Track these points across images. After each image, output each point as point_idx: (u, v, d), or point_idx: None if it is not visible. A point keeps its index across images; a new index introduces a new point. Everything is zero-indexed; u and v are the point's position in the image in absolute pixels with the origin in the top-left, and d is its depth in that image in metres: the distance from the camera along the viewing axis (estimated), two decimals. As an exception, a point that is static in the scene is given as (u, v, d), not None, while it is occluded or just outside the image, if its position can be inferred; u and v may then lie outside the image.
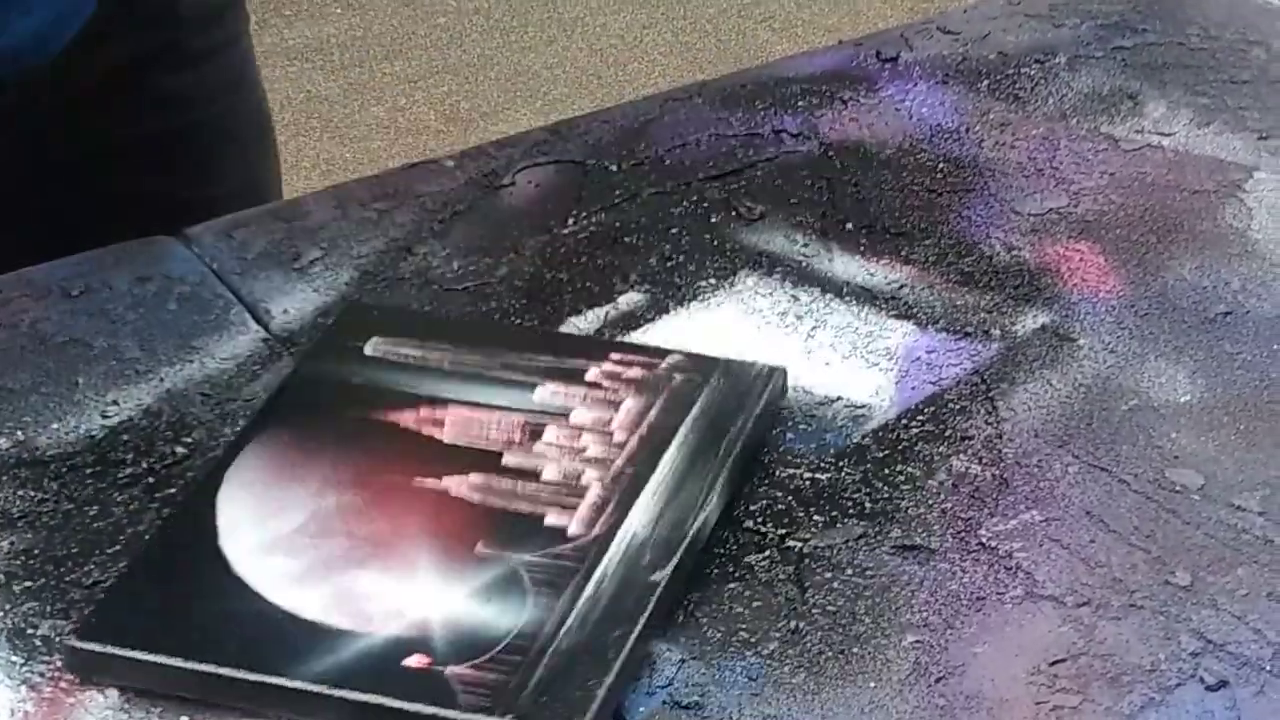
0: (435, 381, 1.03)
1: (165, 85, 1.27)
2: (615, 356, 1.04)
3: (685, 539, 0.94)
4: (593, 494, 0.97)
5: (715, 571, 0.96)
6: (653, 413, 1.01)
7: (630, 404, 1.02)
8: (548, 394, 1.02)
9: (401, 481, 0.98)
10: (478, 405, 1.02)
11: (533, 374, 1.03)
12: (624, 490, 0.97)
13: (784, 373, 1.05)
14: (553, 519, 0.95)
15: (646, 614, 0.91)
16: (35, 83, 1.21)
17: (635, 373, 1.04)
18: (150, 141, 1.29)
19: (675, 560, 0.93)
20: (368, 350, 1.05)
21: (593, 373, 1.03)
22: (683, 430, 1.00)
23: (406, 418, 1.01)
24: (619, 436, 1.00)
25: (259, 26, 3.23)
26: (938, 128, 1.28)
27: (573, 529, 0.95)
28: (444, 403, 1.02)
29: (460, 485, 0.97)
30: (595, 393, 1.02)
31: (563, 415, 1.01)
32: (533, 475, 0.98)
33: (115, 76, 1.25)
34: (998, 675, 0.91)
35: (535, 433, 1.00)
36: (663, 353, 1.06)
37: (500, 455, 0.99)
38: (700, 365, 1.04)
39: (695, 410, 1.01)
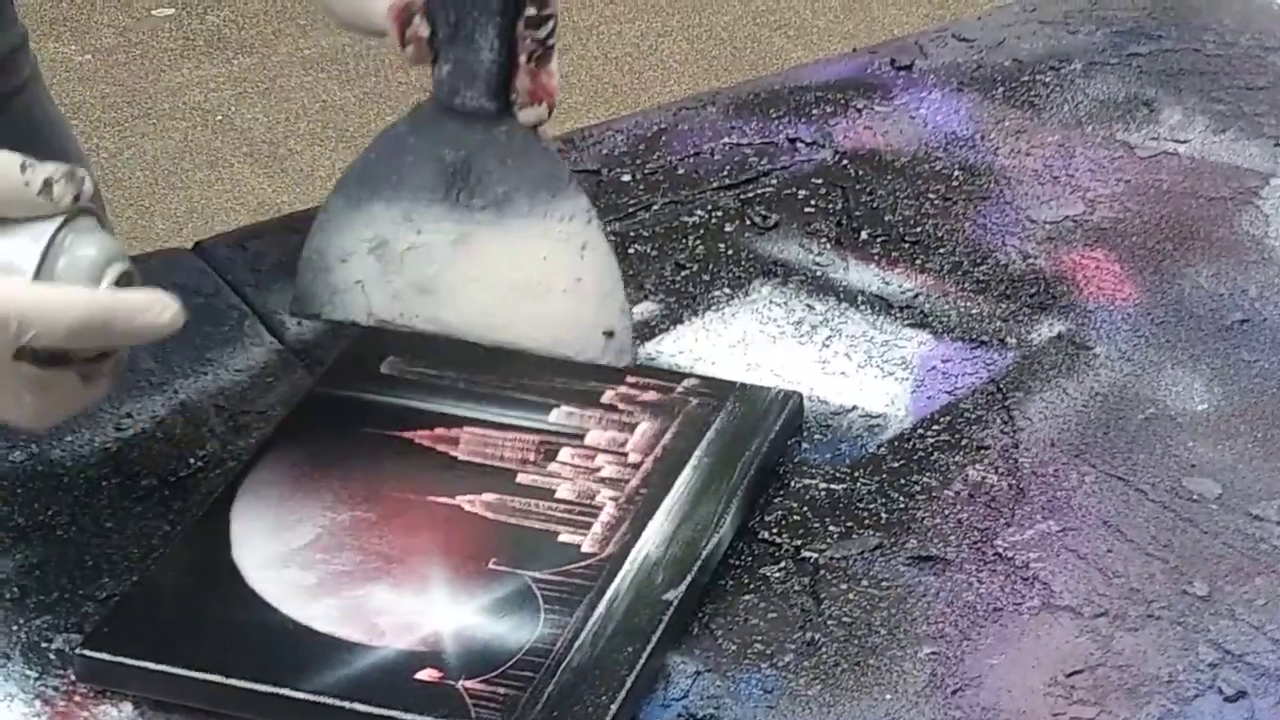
0: (450, 400, 1.03)
1: None
2: (631, 379, 1.04)
3: (698, 559, 0.94)
4: (607, 513, 0.96)
5: (730, 583, 0.95)
6: (668, 436, 1.01)
7: (645, 427, 1.01)
8: (563, 415, 1.02)
9: (415, 497, 0.97)
10: (493, 425, 1.01)
11: (548, 395, 1.03)
12: (638, 510, 0.97)
13: (800, 396, 1.04)
14: (566, 537, 0.95)
15: (659, 632, 0.90)
16: None
17: (651, 395, 1.03)
18: None
19: (688, 580, 0.93)
20: (384, 369, 1.05)
21: (608, 395, 1.03)
22: (697, 453, 1.00)
23: (421, 435, 1.01)
24: (634, 458, 1.00)
25: (274, 36, 3.23)
26: (952, 135, 1.28)
27: (586, 547, 0.95)
28: (459, 421, 1.01)
29: (474, 502, 0.97)
30: (610, 415, 1.02)
31: (578, 436, 1.01)
32: (547, 494, 0.97)
33: None
34: (1014, 686, 0.90)
35: (550, 453, 1.00)
36: (679, 376, 1.05)
37: (515, 474, 0.99)
38: (716, 389, 1.04)
39: (710, 434, 1.01)
